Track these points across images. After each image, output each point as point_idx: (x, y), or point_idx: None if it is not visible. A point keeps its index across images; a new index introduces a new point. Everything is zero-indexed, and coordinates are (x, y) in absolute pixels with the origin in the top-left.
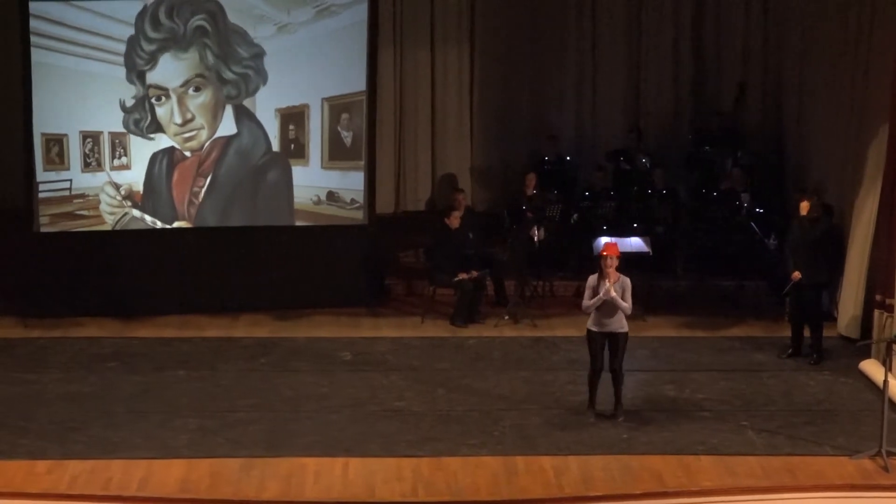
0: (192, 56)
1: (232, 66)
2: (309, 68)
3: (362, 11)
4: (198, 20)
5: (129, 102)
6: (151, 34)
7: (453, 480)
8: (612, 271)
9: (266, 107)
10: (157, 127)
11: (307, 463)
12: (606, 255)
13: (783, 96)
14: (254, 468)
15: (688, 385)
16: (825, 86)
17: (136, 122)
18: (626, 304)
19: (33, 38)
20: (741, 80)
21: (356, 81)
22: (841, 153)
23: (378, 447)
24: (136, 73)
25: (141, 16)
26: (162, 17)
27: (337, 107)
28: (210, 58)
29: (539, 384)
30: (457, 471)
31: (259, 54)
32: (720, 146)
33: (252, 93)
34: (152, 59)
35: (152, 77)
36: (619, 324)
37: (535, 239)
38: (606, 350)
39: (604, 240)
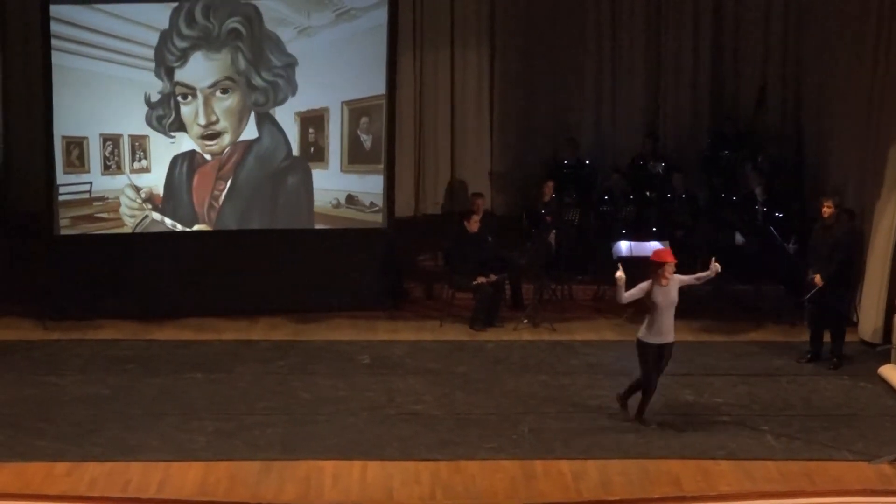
0: (223, 58)
1: (262, 72)
2: (328, 72)
3: (382, 15)
4: (233, 22)
5: (155, 98)
6: (185, 31)
7: (471, 484)
8: (669, 277)
9: (286, 110)
10: (179, 125)
11: (325, 466)
12: (667, 264)
13: (802, 100)
14: (271, 471)
15: (706, 389)
16: (845, 89)
17: (160, 119)
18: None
19: (54, 42)
20: (761, 83)
21: (376, 85)
22: (861, 157)
23: (396, 450)
24: (164, 69)
25: (177, 12)
26: (198, 15)
27: (356, 110)
28: (241, 62)
29: (557, 388)
30: (475, 474)
31: (291, 64)
32: (739, 150)
33: (280, 102)
34: (183, 57)
35: (181, 75)
36: (672, 334)
37: (553, 244)
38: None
39: (653, 245)
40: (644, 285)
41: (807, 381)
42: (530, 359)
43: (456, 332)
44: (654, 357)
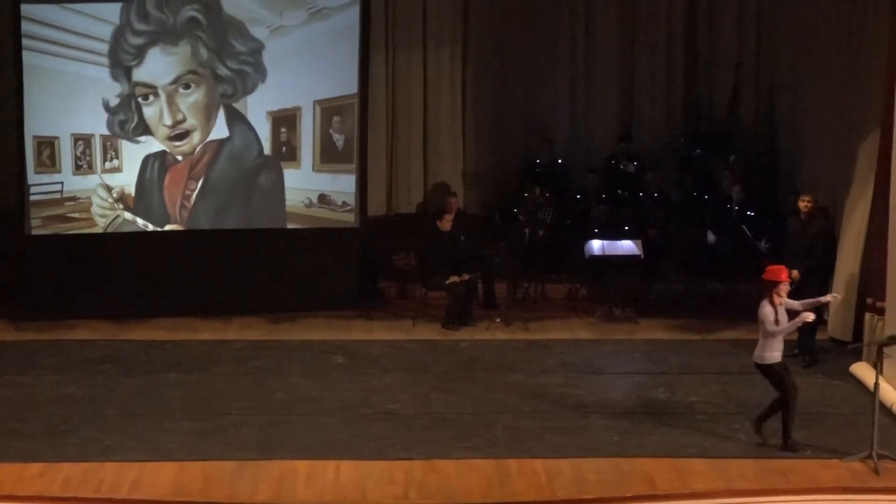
0: (183, 50)
1: (228, 61)
2: (301, 71)
3: (354, 14)
4: (190, 11)
5: (114, 102)
6: (139, 26)
7: (446, 483)
8: (784, 296)
9: (258, 109)
10: (144, 129)
11: (299, 466)
12: (783, 283)
13: (775, 99)
14: (246, 471)
15: (680, 388)
16: (817, 89)
17: (122, 124)
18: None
19: (25, 41)
20: (735, 83)
21: (348, 84)
22: (833, 156)
23: (370, 450)
24: (121, 70)
25: (126, 6)
26: (150, 7)
27: (329, 109)
28: (203, 52)
29: (531, 387)
30: (449, 474)
31: (258, 49)
32: (712, 149)
33: (249, 91)
34: (139, 55)
35: (139, 74)
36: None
37: (527, 234)
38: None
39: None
40: (769, 309)
41: None
42: (504, 358)
43: (429, 332)
44: (784, 369)
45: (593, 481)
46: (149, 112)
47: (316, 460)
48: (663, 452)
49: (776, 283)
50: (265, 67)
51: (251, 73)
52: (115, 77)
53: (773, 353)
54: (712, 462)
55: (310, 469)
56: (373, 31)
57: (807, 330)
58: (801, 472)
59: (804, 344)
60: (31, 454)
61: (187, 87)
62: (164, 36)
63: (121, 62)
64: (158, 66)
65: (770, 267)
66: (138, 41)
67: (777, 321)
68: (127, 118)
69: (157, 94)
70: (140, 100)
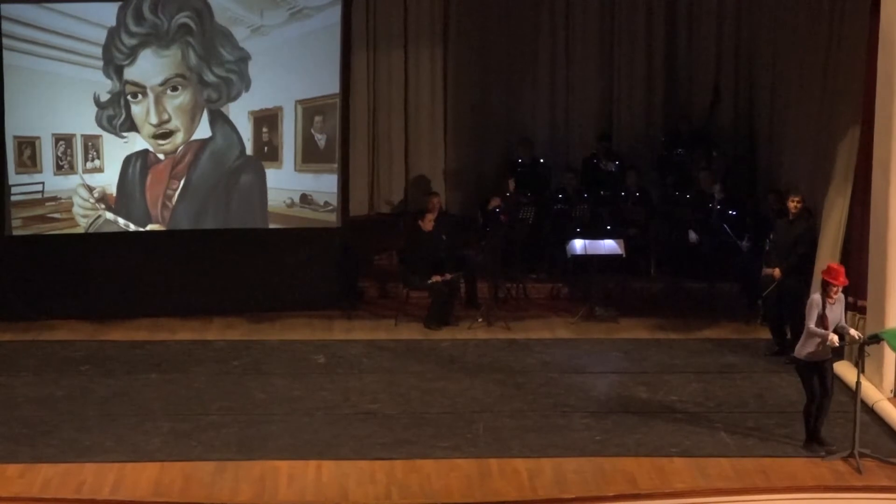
0: (173, 54)
1: (214, 68)
2: (282, 71)
3: (335, 14)
4: (183, 17)
5: (104, 97)
6: (133, 28)
7: (427, 483)
8: (836, 297)
9: (239, 109)
10: (130, 125)
11: (280, 466)
12: (832, 284)
13: (755, 99)
14: (226, 471)
15: (661, 387)
16: (796, 89)
17: (110, 119)
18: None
19: (5, 41)
20: (715, 83)
21: (329, 84)
22: (812, 155)
23: (351, 450)
24: (113, 68)
25: (123, 8)
26: (146, 10)
27: (310, 109)
28: (192, 58)
29: (512, 386)
30: (430, 473)
31: (244, 58)
32: (693, 148)
33: (233, 98)
34: (132, 54)
35: (130, 73)
36: (827, 350)
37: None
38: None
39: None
40: (813, 305)
41: (761, 378)
42: (485, 357)
43: (411, 332)
44: (809, 370)
45: (574, 480)
46: (136, 110)
47: (297, 460)
48: (644, 451)
49: (826, 283)
50: (250, 78)
51: (236, 81)
52: (106, 74)
53: (804, 349)
54: (693, 461)
55: (291, 469)
56: (354, 31)
57: (792, 326)
58: (782, 471)
59: (782, 341)
60: (9, 455)
61: (175, 89)
62: (157, 39)
63: (113, 60)
64: (149, 67)
65: (831, 266)
66: (132, 42)
67: (824, 317)
68: (115, 114)
69: (145, 94)
70: (129, 97)
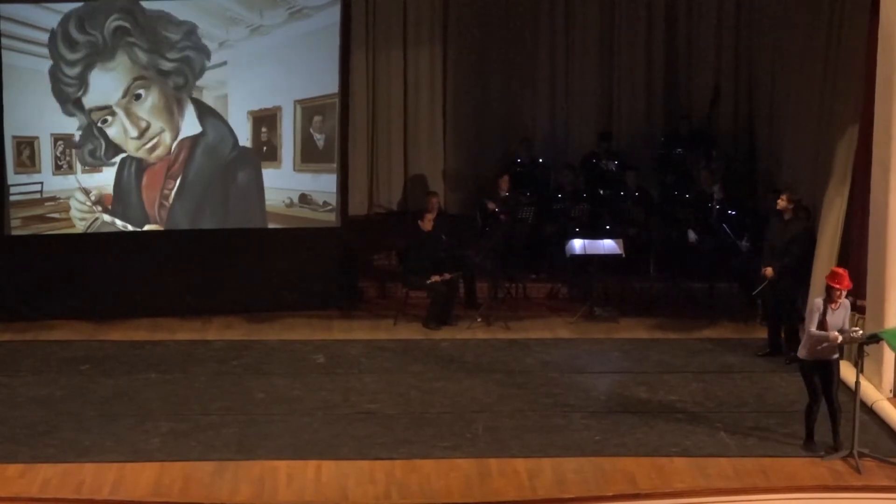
0: (121, 62)
1: (167, 53)
2: (281, 70)
3: (335, 14)
4: (114, 22)
5: (77, 136)
6: (70, 56)
7: (426, 483)
8: (839, 302)
9: (238, 109)
10: (115, 150)
11: (280, 466)
12: (835, 288)
13: (755, 99)
14: (226, 471)
15: (660, 387)
16: (795, 89)
17: (92, 153)
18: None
19: (4, 41)
20: (715, 82)
21: (329, 84)
22: (811, 155)
23: (351, 450)
24: (71, 103)
25: (53, 41)
26: (74, 32)
27: (309, 109)
28: (141, 56)
29: (512, 386)
30: (430, 473)
31: (191, 30)
32: (692, 148)
33: (199, 74)
34: (82, 82)
35: (89, 101)
36: (831, 351)
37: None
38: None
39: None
40: (814, 307)
41: (761, 377)
42: (485, 357)
43: (410, 332)
44: (808, 369)
45: (574, 480)
46: (112, 132)
47: (296, 460)
48: (644, 451)
49: (830, 288)
50: (206, 46)
51: (193, 56)
52: (67, 112)
53: (805, 348)
54: (693, 461)
55: (290, 469)
56: (353, 31)
57: (787, 326)
58: (782, 471)
59: (775, 342)
60: (9, 455)
61: (138, 96)
62: (98, 55)
63: (67, 97)
64: (104, 86)
65: (834, 270)
66: (75, 70)
67: (824, 322)
68: (95, 146)
69: (113, 113)
70: (100, 124)
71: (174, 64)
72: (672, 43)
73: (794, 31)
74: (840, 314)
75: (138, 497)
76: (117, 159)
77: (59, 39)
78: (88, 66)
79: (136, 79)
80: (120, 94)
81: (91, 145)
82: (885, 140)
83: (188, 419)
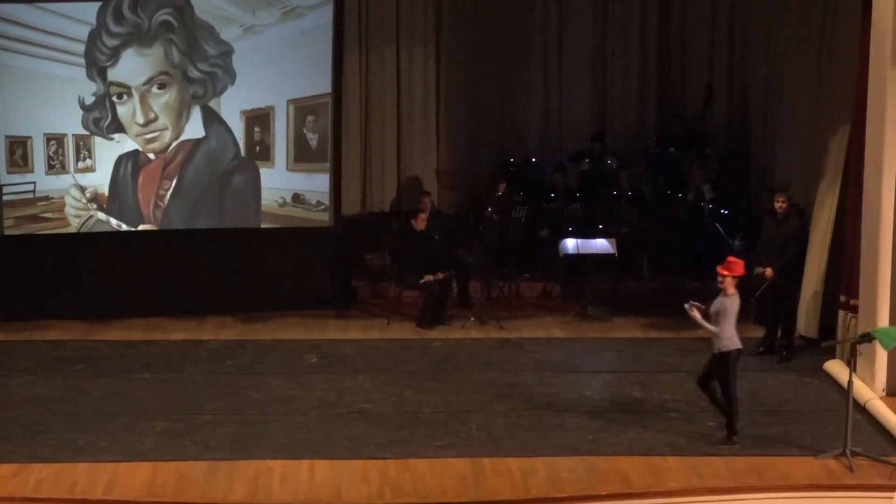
0: (156, 52)
1: (198, 63)
2: (274, 70)
3: (328, 13)
4: (163, 15)
5: (89, 100)
6: (114, 28)
7: (420, 482)
8: (725, 288)
9: (231, 109)
10: (117, 126)
11: (274, 465)
12: (722, 276)
13: (748, 98)
14: (220, 471)
15: (654, 386)
16: (789, 88)
17: (96, 122)
18: (709, 326)
19: None
20: (708, 81)
21: (322, 83)
22: (804, 154)
23: (345, 449)
24: (96, 70)
25: (103, 9)
26: (125, 10)
27: (302, 109)
28: (175, 55)
29: (506, 386)
30: (424, 472)
31: (228, 52)
32: (686, 147)
33: (219, 93)
34: (114, 55)
35: (114, 74)
36: (719, 343)
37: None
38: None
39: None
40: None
41: (753, 377)
42: (478, 357)
43: (404, 331)
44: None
45: (568, 480)
46: (122, 111)
47: (290, 460)
48: (638, 450)
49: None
50: (234, 70)
51: (221, 75)
52: (90, 76)
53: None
54: (686, 460)
55: (284, 469)
56: (346, 31)
57: (783, 325)
58: (775, 470)
59: (769, 342)
60: (3, 455)
61: (161, 87)
62: (139, 38)
63: (96, 62)
64: (132, 67)
65: (729, 259)
66: (113, 42)
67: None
68: (101, 116)
69: (130, 94)
70: (114, 98)
71: (201, 75)
72: (665, 43)
73: (786, 32)
74: (733, 301)
75: (132, 497)
76: (115, 138)
77: (109, 9)
78: (125, 44)
79: (162, 72)
80: (143, 79)
81: (98, 114)
82: (878, 139)
83: (182, 419)
